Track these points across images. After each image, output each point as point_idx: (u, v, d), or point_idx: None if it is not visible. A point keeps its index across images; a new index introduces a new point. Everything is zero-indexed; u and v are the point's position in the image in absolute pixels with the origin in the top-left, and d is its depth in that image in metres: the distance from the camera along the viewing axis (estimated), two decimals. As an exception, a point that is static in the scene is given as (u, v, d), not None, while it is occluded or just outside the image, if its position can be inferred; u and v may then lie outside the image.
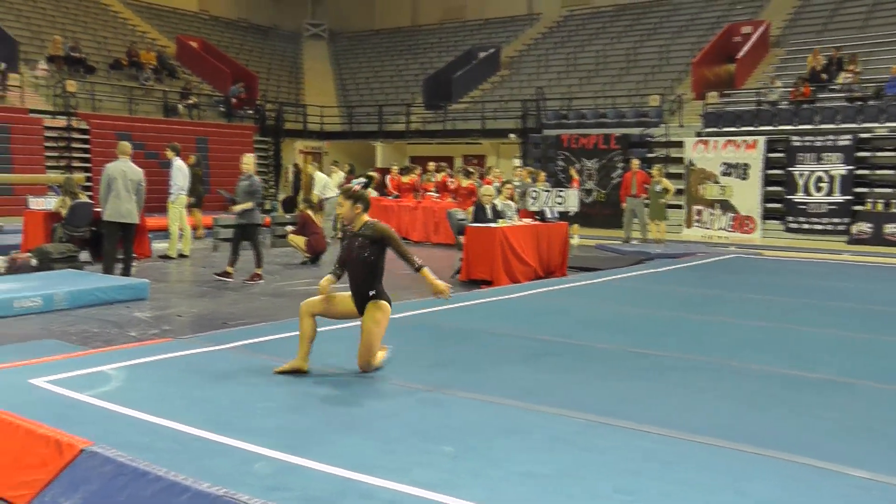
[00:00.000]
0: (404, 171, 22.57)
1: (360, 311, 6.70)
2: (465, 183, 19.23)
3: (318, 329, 6.70)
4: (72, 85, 25.76)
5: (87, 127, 25.08)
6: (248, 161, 13.53)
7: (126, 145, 12.84)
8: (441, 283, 6.75)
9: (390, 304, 6.78)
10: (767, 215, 21.85)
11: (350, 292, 6.79)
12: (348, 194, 6.88)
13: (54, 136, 24.81)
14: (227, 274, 13.04)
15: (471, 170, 20.55)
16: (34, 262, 13.00)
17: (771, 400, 6.17)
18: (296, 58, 40.81)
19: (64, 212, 14.47)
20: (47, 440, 4.84)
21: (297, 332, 6.67)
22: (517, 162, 24.89)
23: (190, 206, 18.89)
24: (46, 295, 10.16)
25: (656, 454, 4.85)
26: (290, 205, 24.49)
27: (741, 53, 26.69)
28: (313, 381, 6.37)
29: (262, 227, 13.75)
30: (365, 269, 6.71)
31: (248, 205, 13.06)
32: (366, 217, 6.85)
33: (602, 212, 23.95)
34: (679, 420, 5.52)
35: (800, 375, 6.97)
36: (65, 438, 4.81)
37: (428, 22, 41.36)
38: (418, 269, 6.74)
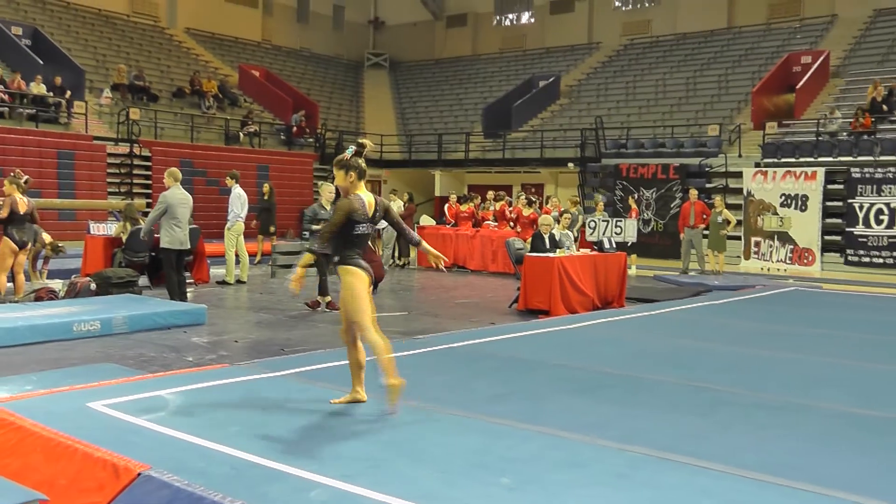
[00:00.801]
0: (462, 199, 22.61)
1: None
2: (528, 212, 19.21)
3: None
4: (135, 112, 26.25)
5: (149, 154, 25.51)
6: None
7: (177, 171, 13.04)
8: (438, 253, 6.81)
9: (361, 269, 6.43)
10: (827, 248, 21.48)
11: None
12: (340, 164, 6.47)
13: (116, 162, 25.29)
14: (316, 303, 13.21)
15: (533, 198, 20.55)
16: (93, 286, 13.19)
17: (837, 439, 6.02)
18: (356, 87, 41.21)
19: (124, 237, 14.70)
20: (104, 463, 4.88)
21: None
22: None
23: (262, 234, 19.23)
24: (105, 319, 10.33)
25: (717, 492, 4.76)
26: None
27: (801, 83, 26.41)
28: (371, 410, 6.35)
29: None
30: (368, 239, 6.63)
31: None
32: (362, 185, 6.49)
33: (660, 242, 23.78)
34: (740, 457, 5.42)
35: (866, 414, 6.81)
36: (122, 462, 4.84)
37: (488, 51, 41.54)
38: (418, 244, 6.80)
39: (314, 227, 13.02)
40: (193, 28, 36.72)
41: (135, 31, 34.26)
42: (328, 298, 13.05)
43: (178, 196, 12.56)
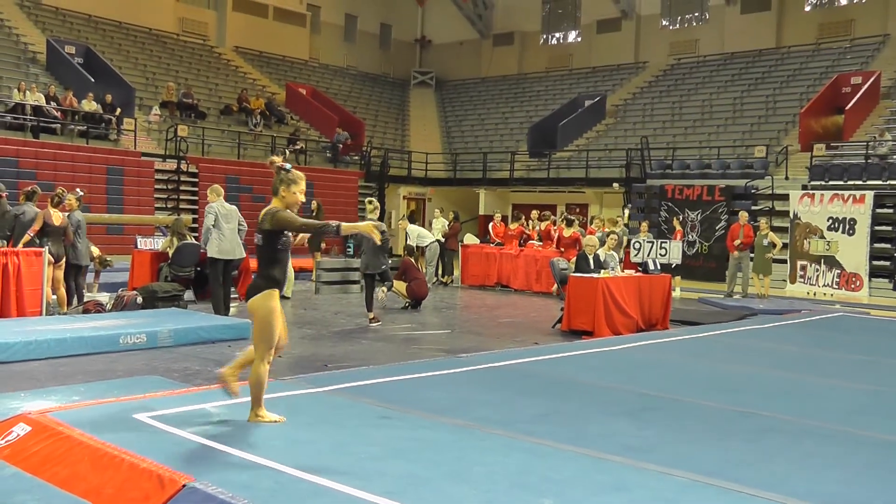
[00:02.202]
0: (505, 218, 22.57)
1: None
2: (568, 232, 19.16)
3: (425, 374, 6.62)
4: (183, 129, 26.59)
5: (196, 170, 25.79)
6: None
7: (220, 188, 13.38)
8: (368, 224, 6.51)
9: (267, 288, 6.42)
10: (875, 273, 21.12)
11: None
12: (276, 169, 6.45)
13: (164, 178, 25.62)
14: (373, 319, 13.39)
15: (572, 217, 20.50)
16: (140, 299, 13.33)
17: (885, 470, 5.91)
18: (402, 105, 41.43)
19: (171, 252, 14.85)
20: (150, 474, 4.94)
21: (396, 378, 6.64)
22: (626, 212, 24.70)
23: (314, 250, 19.44)
24: (151, 332, 10.45)
25: (763, 518, 4.71)
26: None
27: (850, 104, 26.07)
28: (414, 427, 6.36)
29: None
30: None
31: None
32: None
33: (705, 264, 23.59)
34: (788, 486, 5.34)
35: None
36: (167, 473, 4.89)
37: (534, 70, 41.57)
38: (338, 229, 6.30)
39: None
40: (242, 46, 37.14)
41: (184, 50, 34.73)
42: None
43: (223, 207, 12.86)
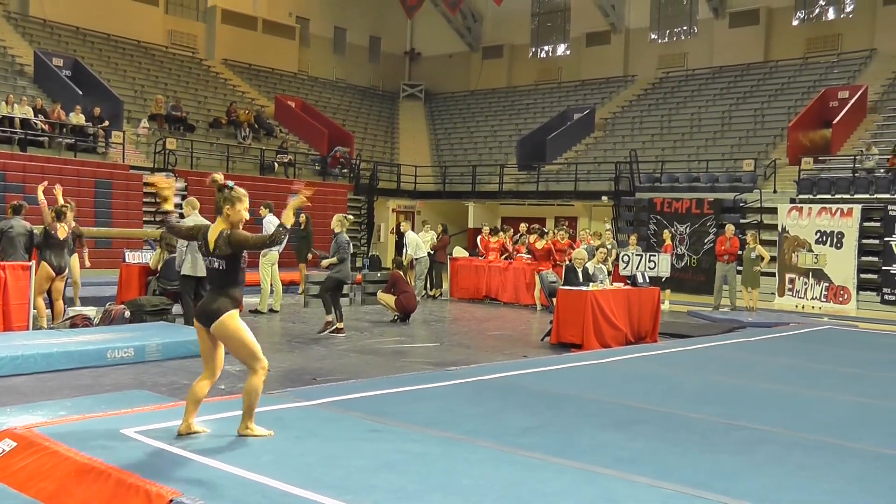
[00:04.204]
0: (494, 231, 22.61)
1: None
2: (541, 244, 19.24)
3: (414, 387, 6.64)
4: (172, 142, 26.54)
5: (184, 183, 25.73)
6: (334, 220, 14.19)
7: (195, 201, 13.33)
8: (298, 198, 6.34)
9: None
10: (863, 286, 21.16)
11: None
12: (218, 187, 6.37)
13: (153, 191, 25.48)
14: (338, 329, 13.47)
15: (545, 230, 20.54)
16: (128, 313, 13.29)
17: (874, 482, 5.93)
18: (391, 117, 41.46)
19: (160, 265, 14.82)
20: (137, 489, 4.93)
21: (385, 391, 6.64)
22: (607, 226, 24.75)
23: (301, 262, 19.54)
24: (139, 346, 10.44)
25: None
26: (375, 264, 24.90)
27: (838, 119, 26.19)
28: (403, 440, 6.35)
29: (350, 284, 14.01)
30: None
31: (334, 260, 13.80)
32: (219, 218, 6.38)
33: (693, 277, 23.62)
34: (777, 497, 5.36)
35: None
36: (154, 488, 4.89)
37: (524, 83, 41.63)
38: (284, 227, 6.18)
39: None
40: (231, 59, 37.13)
41: (173, 63, 34.69)
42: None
43: (198, 222, 12.75)
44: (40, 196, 12.98)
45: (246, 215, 6.35)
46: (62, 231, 12.58)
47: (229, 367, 10.14)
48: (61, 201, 13.03)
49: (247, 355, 6.28)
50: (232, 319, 6.22)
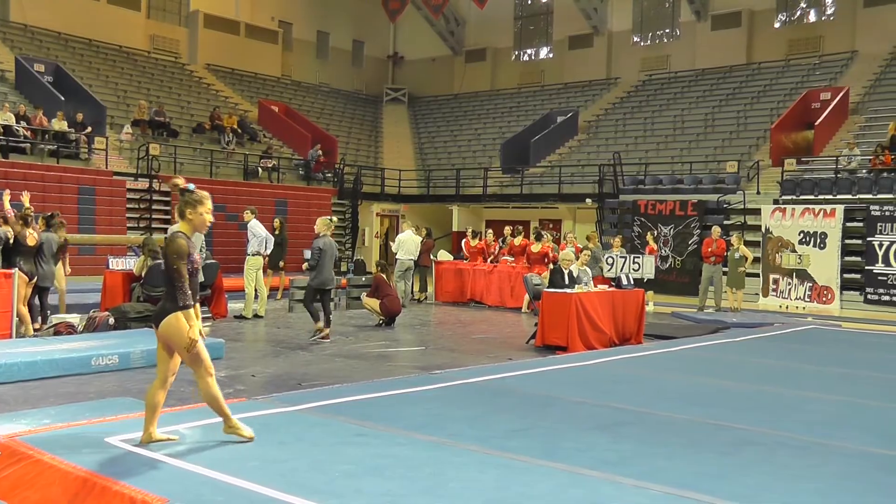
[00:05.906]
0: (476, 234, 22.53)
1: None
2: (537, 247, 19.23)
3: (400, 391, 6.63)
4: (155, 148, 26.44)
5: (168, 189, 25.64)
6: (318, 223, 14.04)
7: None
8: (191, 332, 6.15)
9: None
10: (846, 286, 21.24)
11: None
12: (179, 191, 6.27)
13: (136, 197, 25.46)
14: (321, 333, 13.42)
15: (543, 233, 20.50)
16: (112, 320, 13.23)
17: (858, 480, 5.95)
18: (375, 121, 41.46)
19: (143, 272, 14.75)
20: (123, 497, 4.91)
21: (370, 396, 6.61)
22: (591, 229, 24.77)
23: (272, 269, 19.24)
24: (123, 353, 10.38)
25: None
26: (360, 268, 24.80)
27: (820, 120, 26.37)
28: (389, 444, 6.34)
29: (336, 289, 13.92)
30: None
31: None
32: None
33: (678, 279, 23.68)
34: (762, 498, 5.38)
35: (888, 454, 6.73)
36: (139, 496, 4.87)
37: (507, 86, 41.72)
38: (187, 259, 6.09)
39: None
40: (213, 64, 37.06)
41: (155, 68, 34.60)
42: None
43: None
44: (6, 205, 12.91)
45: (209, 218, 6.28)
46: (31, 238, 12.52)
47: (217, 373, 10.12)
48: (27, 204, 12.96)
49: (190, 361, 6.20)
50: (176, 320, 6.13)
